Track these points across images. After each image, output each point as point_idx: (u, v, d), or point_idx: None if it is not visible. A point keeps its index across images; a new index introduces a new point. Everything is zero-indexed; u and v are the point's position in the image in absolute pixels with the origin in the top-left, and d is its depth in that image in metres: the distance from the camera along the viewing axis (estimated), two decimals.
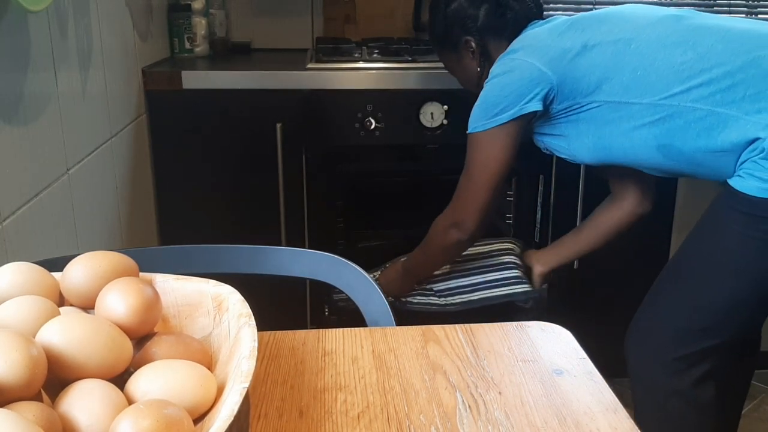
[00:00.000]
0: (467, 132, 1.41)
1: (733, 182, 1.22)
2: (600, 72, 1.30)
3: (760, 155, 1.18)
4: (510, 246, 1.73)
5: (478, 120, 1.38)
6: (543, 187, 1.91)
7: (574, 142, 1.39)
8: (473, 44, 1.47)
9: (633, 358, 1.41)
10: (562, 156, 1.45)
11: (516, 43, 1.40)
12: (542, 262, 1.70)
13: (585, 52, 1.31)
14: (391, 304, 1.66)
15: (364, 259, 1.84)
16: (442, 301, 1.65)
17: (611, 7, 1.43)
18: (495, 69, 1.39)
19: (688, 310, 1.32)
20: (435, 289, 1.66)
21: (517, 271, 1.66)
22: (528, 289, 1.64)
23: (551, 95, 1.34)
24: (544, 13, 1.53)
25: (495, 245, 1.72)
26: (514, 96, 1.34)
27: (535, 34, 1.40)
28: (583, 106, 1.33)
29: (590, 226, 1.66)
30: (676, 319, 1.33)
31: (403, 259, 1.66)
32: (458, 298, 1.64)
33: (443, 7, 1.48)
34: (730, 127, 1.21)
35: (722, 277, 1.27)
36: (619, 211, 1.60)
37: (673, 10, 1.36)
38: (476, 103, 1.40)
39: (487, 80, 1.40)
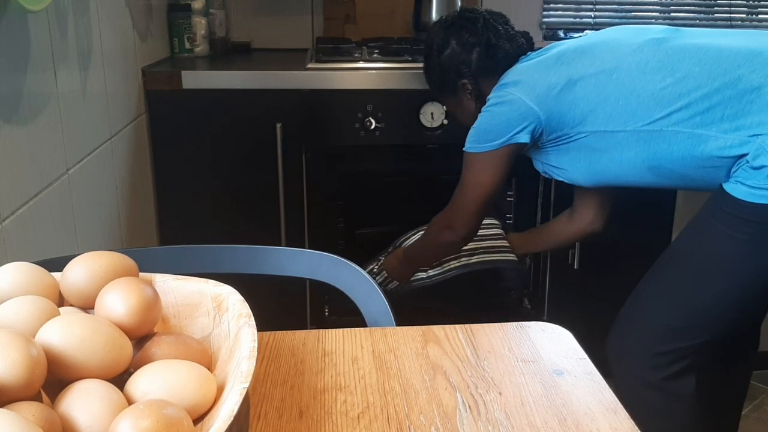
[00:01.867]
0: (464, 149, 1.47)
1: (726, 186, 1.26)
2: (584, 105, 1.34)
3: (747, 165, 1.23)
4: (494, 221, 1.87)
5: (471, 142, 1.46)
6: (543, 187, 1.91)
7: (568, 168, 1.44)
8: (469, 86, 1.53)
9: (613, 352, 1.44)
10: (561, 179, 1.49)
11: (507, 76, 1.45)
12: (520, 246, 1.83)
13: (569, 87, 1.35)
14: (394, 288, 1.70)
15: (364, 258, 1.84)
16: (432, 272, 1.76)
17: (595, 33, 1.47)
18: (490, 99, 1.45)
19: (672, 308, 1.34)
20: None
21: (505, 240, 1.80)
22: (515, 259, 1.78)
23: (539, 129, 1.39)
24: (545, 13, 1.54)
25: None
26: (504, 127, 1.40)
27: (525, 68, 1.45)
28: (570, 137, 1.38)
29: (549, 232, 1.79)
30: (658, 316, 1.36)
31: (404, 247, 1.75)
32: (448, 266, 1.75)
33: (437, 54, 1.54)
34: (710, 145, 1.26)
35: (707, 276, 1.30)
36: (573, 226, 1.70)
37: (654, 31, 1.38)
38: (473, 126, 1.46)
39: (484, 107, 1.46)
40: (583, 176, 1.43)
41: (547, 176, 1.54)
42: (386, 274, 1.74)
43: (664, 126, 1.28)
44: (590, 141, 1.36)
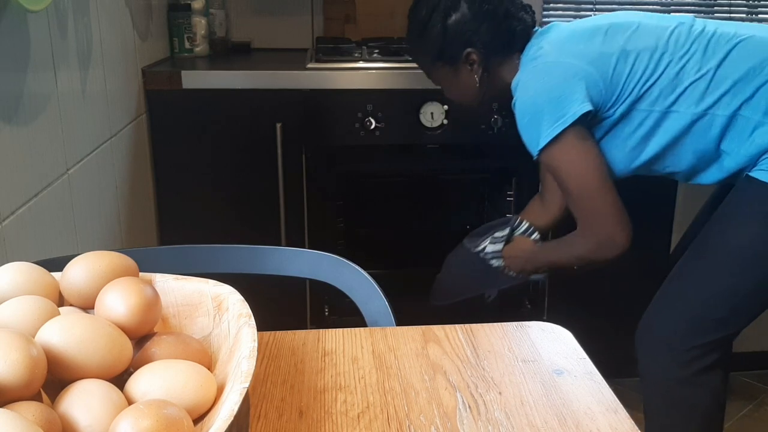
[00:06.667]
0: (537, 153, 1.31)
1: (756, 174, 1.26)
2: (641, 79, 1.29)
3: None
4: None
5: (542, 131, 1.29)
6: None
7: (609, 153, 1.35)
8: (475, 57, 1.40)
9: (644, 347, 1.41)
10: None
11: (536, 49, 1.35)
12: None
13: (625, 58, 1.29)
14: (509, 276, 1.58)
15: (364, 257, 1.84)
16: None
17: (617, 13, 1.41)
18: (525, 77, 1.33)
19: (711, 299, 1.33)
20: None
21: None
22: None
23: (598, 96, 1.29)
24: (545, 13, 1.52)
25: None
26: (568, 94, 1.27)
27: (556, 39, 1.35)
28: (625, 114, 1.31)
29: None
30: (696, 308, 1.34)
31: (537, 246, 1.59)
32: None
33: (441, 19, 1.40)
34: (759, 131, 1.26)
35: (747, 264, 1.29)
36: (547, 215, 1.61)
37: (675, 19, 1.36)
38: (526, 123, 1.31)
39: (519, 93, 1.33)
40: (623, 162, 1.35)
41: None
42: (504, 261, 1.57)
43: (716, 110, 1.27)
44: (645, 120, 1.30)
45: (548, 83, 1.29)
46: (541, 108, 1.28)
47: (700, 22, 1.35)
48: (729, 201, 1.32)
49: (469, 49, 1.40)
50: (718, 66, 1.27)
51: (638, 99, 1.30)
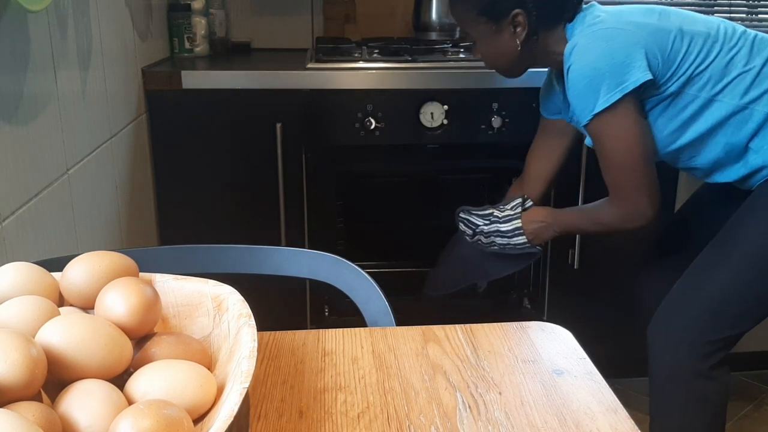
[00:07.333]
0: (589, 119, 1.30)
1: None
2: (695, 61, 1.30)
3: None
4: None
5: (600, 96, 1.27)
6: None
7: (653, 129, 1.36)
8: (521, 19, 1.36)
9: (659, 339, 1.41)
10: None
11: (592, 18, 1.34)
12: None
13: (681, 37, 1.30)
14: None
15: (364, 257, 1.84)
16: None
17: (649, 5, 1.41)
18: (585, 41, 1.30)
19: (728, 294, 1.34)
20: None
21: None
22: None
23: (656, 68, 1.28)
24: None
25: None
26: (630, 60, 1.26)
27: (613, 10, 1.36)
28: (675, 93, 1.32)
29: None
30: (712, 302, 1.35)
31: (555, 211, 1.57)
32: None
33: None
34: None
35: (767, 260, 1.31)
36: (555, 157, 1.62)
37: (716, 18, 1.38)
38: (582, 88, 1.29)
39: (576, 57, 1.30)
40: (659, 145, 1.36)
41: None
42: (522, 230, 1.54)
43: (757, 105, 1.30)
44: (689, 104, 1.32)
45: (611, 48, 1.27)
46: (602, 72, 1.27)
47: (738, 25, 1.37)
48: (753, 200, 1.34)
49: (518, 10, 1.36)
50: (764, 64, 1.31)
51: (689, 81, 1.31)
